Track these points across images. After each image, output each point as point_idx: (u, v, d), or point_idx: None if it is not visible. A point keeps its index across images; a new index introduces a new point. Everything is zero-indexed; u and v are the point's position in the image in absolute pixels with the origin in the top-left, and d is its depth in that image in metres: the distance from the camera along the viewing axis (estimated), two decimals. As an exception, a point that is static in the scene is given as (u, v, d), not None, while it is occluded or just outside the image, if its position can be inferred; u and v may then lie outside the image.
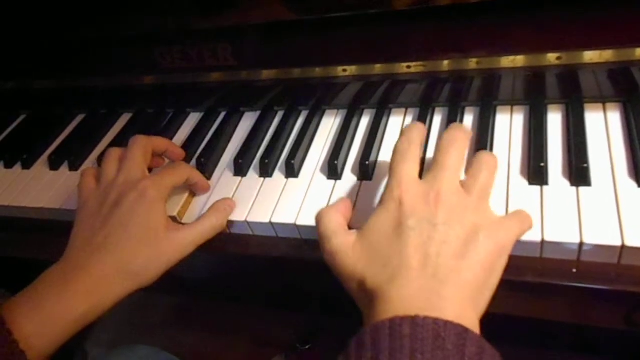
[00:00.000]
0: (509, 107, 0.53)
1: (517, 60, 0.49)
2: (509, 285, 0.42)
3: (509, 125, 0.52)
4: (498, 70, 0.50)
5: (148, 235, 0.45)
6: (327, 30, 0.52)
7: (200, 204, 0.53)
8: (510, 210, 0.43)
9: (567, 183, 0.44)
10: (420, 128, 0.42)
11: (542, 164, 0.44)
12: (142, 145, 0.51)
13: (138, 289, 0.45)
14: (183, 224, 0.51)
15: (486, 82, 0.52)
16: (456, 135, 0.40)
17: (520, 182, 0.45)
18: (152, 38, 0.59)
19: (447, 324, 0.30)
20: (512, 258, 0.42)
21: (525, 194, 0.44)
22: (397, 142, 0.41)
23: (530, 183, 0.45)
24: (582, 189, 0.43)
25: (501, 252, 0.35)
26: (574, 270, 0.40)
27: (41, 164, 0.66)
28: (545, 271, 0.41)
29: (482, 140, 0.50)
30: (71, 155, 0.64)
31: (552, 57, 0.48)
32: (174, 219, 0.51)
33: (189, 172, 0.51)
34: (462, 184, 0.38)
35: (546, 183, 0.44)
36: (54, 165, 0.65)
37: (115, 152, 0.51)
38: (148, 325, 1.25)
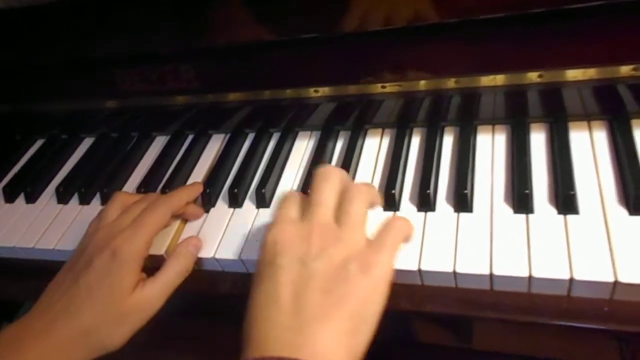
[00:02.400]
0: (490, 127, 0.51)
1: (497, 79, 0.46)
2: (497, 323, 0.40)
3: (491, 146, 0.49)
4: (478, 89, 0.48)
5: (113, 300, 0.41)
6: (296, 52, 0.49)
7: (197, 223, 0.50)
8: (496, 243, 0.40)
9: (554, 211, 0.41)
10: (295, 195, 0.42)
11: (527, 191, 0.42)
12: (150, 203, 0.47)
13: (104, 353, 0.41)
14: None
15: (466, 101, 0.49)
16: (328, 171, 0.40)
17: (504, 209, 0.43)
18: (111, 61, 0.55)
19: None
20: (497, 294, 0.40)
21: (510, 223, 0.41)
22: (282, 197, 0.42)
23: (516, 211, 0.42)
24: (569, 217, 0.40)
25: (376, 282, 0.34)
26: (564, 307, 0.38)
27: (-4, 195, 0.62)
28: (534, 308, 0.38)
29: (463, 161, 0.47)
30: (27, 185, 0.60)
31: (533, 76, 0.45)
32: (161, 257, 0.47)
33: (169, 207, 0.47)
34: (336, 218, 0.38)
35: (532, 211, 0.41)
36: (9, 197, 0.60)
37: (120, 198, 0.48)
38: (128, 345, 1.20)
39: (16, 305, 0.94)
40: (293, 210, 0.40)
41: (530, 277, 0.37)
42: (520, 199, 0.42)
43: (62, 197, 0.58)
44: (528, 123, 0.49)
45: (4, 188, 0.61)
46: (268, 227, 0.38)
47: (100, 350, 0.41)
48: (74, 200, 0.58)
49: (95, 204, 0.57)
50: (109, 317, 0.41)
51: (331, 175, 0.40)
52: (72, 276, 0.43)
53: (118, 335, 0.41)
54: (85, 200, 0.57)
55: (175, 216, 0.49)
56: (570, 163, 0.43)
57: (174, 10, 0.49)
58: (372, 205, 0.41)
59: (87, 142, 0.67)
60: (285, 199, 0.41)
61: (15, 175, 0.64)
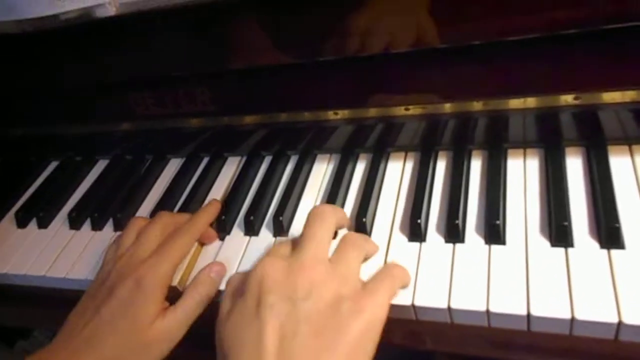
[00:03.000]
0: (522, 150, 0.48)
1: (528, 102, 0.43)
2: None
3: (523, 171, 0.46)
4: (507, 111, 0.45)
5: (135, 330, 0.40)
6: (314, 74, 0.46)
7: (211, 253, 0.48)
8: (532, 279, 0.37)
9: (596, 245, 0.38)
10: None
11: (566, 223, 0.39)
12: (163, 224, 0.46)
13: None
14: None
15: (494, 124, 0.46)
16: (323, 209, 0.40)
17: (541, 242, 0.39)
18: (125, 84, 0.54)
19: None
20: (534, 335, 0.36)
21: (547, 257, 0.38)
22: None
23: (553, 245, 0.39)
24: (614, 252, 0.37)
25: (369, 325, 0.33)
26: (611, 352, 0.34)
27: (8, 220, 0.61)
28: (575, 352, 0.35)
29: (494, 189, 0.44)
30: (40, 210, 0.59)
31: (568, 98, 0.42)
32: (174, 288, 0.45)
33: (193, 234, 0.46)
34: (330, 259, 0.37)
35: (571, 244, 0.38)
36: (21, 222, 0.59)
37: (137, 223, 0.47)
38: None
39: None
40: (284, 248, 0.38)
41: (572, 319, 0.34)
42: (558, 230, 0.38)
43: (75, 222, 0.56)
44: (563, 147, 0.46)
45: (17, 213, 0.59)
46: (256, 264, 0.37)
47: None
48: (87, 225, 0.56)
49: (108, 229, 0.55)
50: (131, 348, 0.40)
51: (326, 215, 0.39)
52: (94, 306, 0.41)
53: None
54: (98, 226, 0.55)
55: None
56: (613, 191, 0.40)
57: (189, 33, 0.47)
58: (368, 256, 0.40)
59: (101, 165, 0.66)
60: (275, 244, 0.40)
61: (28, 200, 0.63)
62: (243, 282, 0.37)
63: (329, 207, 0.41)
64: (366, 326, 0.33)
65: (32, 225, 0.59)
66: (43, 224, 0.58)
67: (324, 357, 0.31)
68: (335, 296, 0.33)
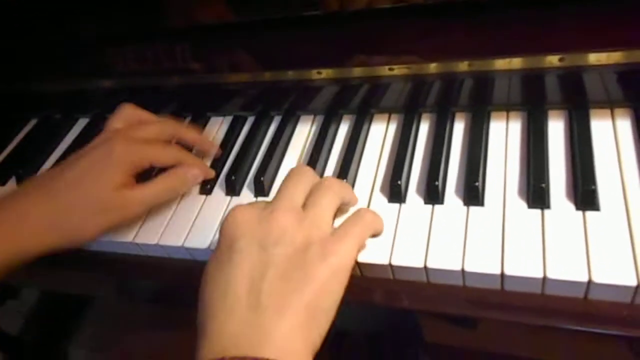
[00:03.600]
0: (505, 113, 0.47)
1: (513, 63, 0.43)
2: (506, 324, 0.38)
3: (505, 134, 0.46)
4: (492, 72, 0.44)
5: (97, 188, 0.42)
6: (297, 31, 0.45)
7: (192, 211, 0.48)
8: (508, 239, 0.37)
9: (572, 207, 0.38)
10: None
11: (543, 185, 0.39)
12: (162, 130, 0.48)
13: (71, 246, 0.43)
14: None
15: (479, 85, 0.46)
16: (301, 170, 0.40)
17: (518, 204, 0.40)
18: (105, 39, 0.52)
19: None
20: (508, 295, 0.37)
21: (524, 218, 0.38)
22: None
23: (530, 206, 0.39)
24: (589, 213, 0.37)
25: (337, 270, 0.33)
26: (580, 310, 0.35)
27: (-13, 177, 0.60)
28: (547, 310, 0.36)
29: (475, 151, 0.44)
30: (19, 167, 0.58)
31: (553, 59, 0.41)
32: None
33: (177, 157, 0.46)
34: (304, 205, 0.37)
35: (548, 206, 0.39)
36: (0, 179, 0.58)
37: (129, 109, 0.49)
38: (128, 328, 1.20)
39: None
40: (260, 203, 0.38)
41: (544, 278, 0.35)
42: (536, 193, 0.39)
43: (55, 180, 0.56)
44: (546, 110, 0.45)
45: (-5, 170, 0.59)
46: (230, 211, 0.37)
47: (71, 238, 0.42)
48: (67, 184, 0.55)
49: (89, 188, 0.54)
50: (88, 204, 0.42)
51: (303, 174, 0.39)
52: (64, 166, 0.44)
53: (92, 225, 0.42)
54: (78, 185, 0.55)
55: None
56: (592, 155, 0.40)
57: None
58: (345, 202, 0.40)
59: (81, 123, 0.64)
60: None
61: (8, 157, 0.62)
62: None
63: (309, 169, 0.41)
64: (332, 270, 0.33)
65: (12, 182, 0.58)
66: (21, 181, 0.57)
67: (291, 299, 0.32)
68: (305, 241, 0.34)
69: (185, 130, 0.50)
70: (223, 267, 0.34)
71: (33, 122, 0.67)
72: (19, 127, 0.67)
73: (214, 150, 0.51)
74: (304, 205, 0.37)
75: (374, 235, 0.39)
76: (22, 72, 0.62)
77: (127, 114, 0.48)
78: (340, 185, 0.40)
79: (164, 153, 0.46)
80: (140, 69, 0.54)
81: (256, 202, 0.39)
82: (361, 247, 0.37)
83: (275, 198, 0.37)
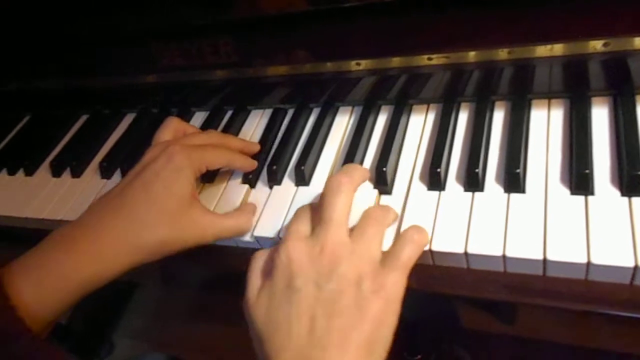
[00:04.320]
0: (546, 101, 0.47)
1: (555, 49, 0.42)
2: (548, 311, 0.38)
3: (547, 122, 0.45)
4: (533, 60, 0.44)
5: (169, 205, 0.41)
6: (338, 22, 0.46)
7: (237, 200, 0.49)
8: (550, 225, 0.37)
9: (616, 193, 0.38)
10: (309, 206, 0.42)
11: (587, 171, 0.38)
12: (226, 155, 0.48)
13: (145, 263, 0.42)
14: None
15: (519, 73, 0.46)
16: (340, 181, 0.39)
17: (561, 190, 0.39)
18: (149, 35, 0.54)
19: None
20: (550, 281, 0.37)
21: (566, 204, 0.38)
22: (297, 209, 0.42)
23: (573, 192, 0.39)
24: (635, 200, 0.37)
25: (390, 302, 0.34)
26: (625, 296, 0.35)
27: (44, 169, 0.64)
28: (590, 296, 0.36)
29: (516, 138, 0.44)
30: (73, 160, 0.61)
31: (597, 44, 0.41)
32: None
33: (228, 157, 0.47)
34: (350, 234, 0.38)
35: (592, 193, 0.38)
36: (55, 171, 0.62)
37: (173, 123, 0.49)
38: (173, 319, 1.24)
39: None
40: (303, 225, 0.39)
41: (588, 264, 0.35)
42: (579, 179, 0.38)
43: (106, 172, 0.59)
44: (589, 96, 0.45)
45: (51, 162, 0.62)
46: (280, 245, 0.38)
47: (143, 259, 0.41)
48: (117, 175, 0.58)
49: (137, 179, 0.57)
50: (162, 226, 0.41)
51: (343, 188, 0.39)
52: (125, 182, 0.43)
53: (165, 248, 0.41)
54: (127, 176, 0.57)
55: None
56: (637, 139, 0.39)
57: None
58: (388, 227, 0.40)
59: (129, 118, 0.67)
60: (295, 214, 0.41)
61: (62, 151, 0.65)
62: (269, 262, 0.38)
63: (345, 177, 0.40)
64: (386, 302, 0.34)
65: (66, 174, 0.61)
66: (76, 174, 0.60)
67: (351, 335, 0.33)
68: (356, 275, 0.35)
69: (230, 139, 0.50)
70: (282, 306, 0.35)
71: (84, 118, 0.71)
72: (71, 122, 0.70)
73: (258, 149, 0.52)
74: (351, 234, 0.38)
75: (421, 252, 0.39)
76: (73, 68, 0.65)
77: (173, 127, 0.49)
78: (384, 213, 0.40)
79: (218, 154, 0.46)
80: (183, 64, 0.56)
81: (299, 220, 0.39)
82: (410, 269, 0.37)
83: (320, 226, 0.38)
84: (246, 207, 0.47)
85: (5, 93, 0.73)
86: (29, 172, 0.63)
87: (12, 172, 0.65)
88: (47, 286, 0.38)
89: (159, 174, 0.42)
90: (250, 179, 0.51)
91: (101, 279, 0.40)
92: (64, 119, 0.70)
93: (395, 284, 0.35)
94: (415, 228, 0.39)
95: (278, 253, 0.37)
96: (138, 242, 0.41)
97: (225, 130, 0.58)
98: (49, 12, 0.58)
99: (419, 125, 0.50)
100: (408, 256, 0.37)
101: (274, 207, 0.47)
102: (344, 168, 0.42)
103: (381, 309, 0.34)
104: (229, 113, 0.61)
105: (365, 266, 0.35)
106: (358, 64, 0.50)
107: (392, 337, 0.34)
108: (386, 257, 0.37)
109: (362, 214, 0.40)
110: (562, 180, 0.40)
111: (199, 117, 0.63)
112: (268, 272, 0.38)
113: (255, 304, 0.37)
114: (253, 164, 0.50)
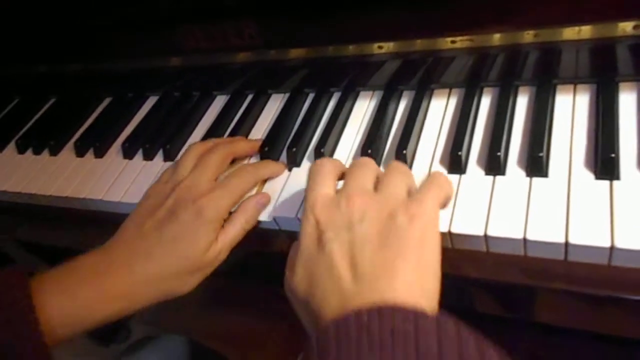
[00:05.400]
0: (572, 86, 0.46)
1: (583, 32, 0.42)
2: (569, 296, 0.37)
3: (572, 107, 0.45)
4: (559, 43, 0.43)
5: (193, 253, 0.43)
6: (361, 3, 0.46)
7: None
8: (573, 209, 0.37)
9: (642, 177, 0.37)
10: (333, 162, 0.41)
11: (613, 155, 0.38)
12: (222, 154, 0.49)
13: (172, 297, 0.44)
14: None
15: (545, 57, 0.45)
16: (366, 160, 0.40)
17: (585, 175, 0.39)
18: (173, 17, 0.55)
19: (394, 307, 0.29)
20: (571, 265, 0.37)
21: (590, 188, 0.38)
22: (310, 168, 0.40)
23: (598, 177, 0.38)
24: (662, 185, 0.36)
25: (426, 227, 0.34)
26: (651, 282, 0.34)
27: (68, 149, 0.65)
28: (612, 281, 0.35)
29: (539, 122, 0.43)
30: (96, 141, 0.62)
31: (627, 27, 0.40)
32: None
33: (255, 176, 0.48)
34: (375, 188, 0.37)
35: (617, 177, 0.37)
36: (79, 152, 0.63)
37: (196, 150, 0.49)
38: (189, 305, 1.26)
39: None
40: (325, 187, 0.38)
41: (612, 248, 0.34)
42: (604, 163, 0.38)
43: (128, 152, 0.60)
44: (617, 82, 0.44)
45: (75, 142, 0.63)
46: (304, 208, 0.38)
47: (170, 294, 0.43)
48: (139, 155, 0.59)
49: (158, 159, 0.58)
50: (187, 268, 0.43)
51: (367, 163, 0.39)
52: (155, 223, 0.44)
53: (189, 284, 0.44)
54: (149, 156, 0.58)
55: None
56: (667, 125, 0.38)
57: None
58: (410, 189, 0.39)
59: (151, 101, 0.68)
60: (310, 177, 0.39)
61: (85, 131, 0.66)
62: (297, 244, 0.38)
63: (371, 160, 0.41)
64: (424, 228, 0.33)
65: (89, 154, 0.62)
66: (99, 154, 0.62)
67: (397, 264, 0.32)
68: (387, 213, 0.34)
69: (238, 146, 0.51)
70: (317, 261, 0.34)
71: (107, 101, 0.72)
72: (95, 104, 0.71)
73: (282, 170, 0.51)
74: (376, 185, 0.38)
75: (446, 200, 0.38)
76: (97, 52, 0.66)
77: (197, 153, 0.49)
78: (407, 172, 0.40)
79: (240, 189, 0.46)
80: (205, 47, 0.57)
81: (328, 194, 0.38)
82: (441, 206, 0.37)
83: (344, 186, 0.37)
84: (244, 206, 0.46)
85: (32, 76, 0.75)
86: (54, 152, 0.65)
87: (37, 152, 0.66)
88: (72, 314, 0.40)
89: (187, 231, 0.43)
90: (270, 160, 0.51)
91: (127, 312, 0.42)
92: (88, 102, 0.72)
93: (428, 210, 0.34)
94: (439, 173, 0.39)
95: (306, 218, 0.37)
96: (165, 285, 0.43)
97: (246, 113, 0.58)
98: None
99: (441, 109, 0.50)
100: (436, 193, 0.36)
101: (293, 188, 0.48)
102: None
103: (420, 234, 0.33)
104: (250, 97, 0.61)
105: (394, 203, 0.35)
106: (380, 47, 0.50)
107: (440, 261, 0.34)
108: (414, 194, 0.36)
109: (386, 168, 0.39)
110: (587, 164, 0.39)
111: (220, 101, 0.63)
112: (298, 246, 0.38)
113: (292, 276, 0.36)
114: (282, 169, 0.50)
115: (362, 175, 0.38)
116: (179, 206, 0.44)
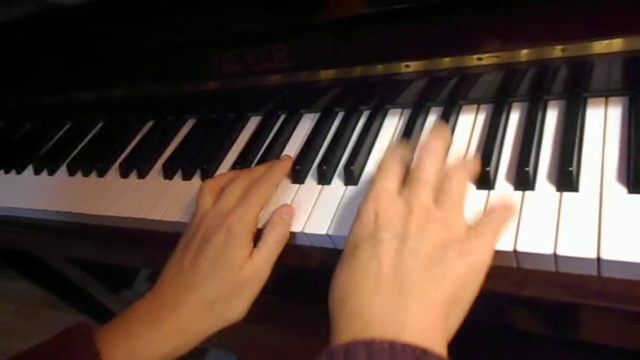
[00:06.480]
0: (603, 99, 0.45)
1: (613, 45, 0.41)
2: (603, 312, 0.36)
3: (603, 120, 0.44)
4: (589, 57, 0.43)
5: (231, 271, 0.44)
6: (388, 24, 0.47)
7: (287, 200, 0.51)
8: (605, 224, 0.36)
9: (679, 191, 0.36)
10: (405, 148, 0.43)
11: (646, 168, 0.37)
12: (242, 179, 0.50)
13: (228, 324, 0.45)
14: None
15: (574, 71, 0.45)
16: (433, 145, 0.40)
17: (617, 189, 0.38)
18: (207, 44, 0.58)
19: (404, 347, 0.30)
20: (605, 281, 0.36)
21: (623, 203, 0.37)
22: (383, 158, 0.42)
23: (631, 191, 0.37)
24: (699, 198, 0.35)
25: (474, 266, 0.34)
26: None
27: (113, 171, 0.69)
28: (650, 298, 0.34)
29: (569, 136, 0.42)
30: (139, 162, 0.66)
31: (658, 38, 0.39)
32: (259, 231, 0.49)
33: (270, 181, 0.50)
34: (435, 198, 0.38)
35: (650, 191, 0.37)
36: (123, 173, 0.66)
37: (207, 186, 0.51)
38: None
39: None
40: (392, 181, 0.39)
41: (646, 263, 0.33)
42: (637, 176, 0.37)
43: (168, 173, 0.63)
44: (650, 94, 0.43)
45: (120, 164, 0.67)
46: (366, 196, 0.38)
47: (224, 320, 0.45)
48: (178, 176, 0.62)
49: (196, 179, 0.61)
50: (228, 289, 0.44)
51: (438, 151, 0.40)
52: (191, 256, 0.46)
53: (238, 305, 0.45)
54: (187, 176, 0.61)
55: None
56: (703, 137, 0.37)
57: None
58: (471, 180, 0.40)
59: (190, 123, 0.71)
60: (380, 169, 0.40)
61: (129, 153, 0.70)
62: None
63: (439, 142, 0.41)
64: (471, 267, 0.34)
65: (133, 175, 0.66)
66: (142, 175, 0.65)
67: (433, 291, 0.33)
68: (442, 240, 0.35)
69: (257, 177, 0.51)
70: (364, 254, 0.35)
71: (150, 124, 0.76)
72: (138, 127, 0.75)
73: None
74: (437, 195, 0.38)
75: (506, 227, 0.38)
76: (141, 78, 0.70)
77: (209, 189, 0.51)
78: (462, 172, 0.40)
79: (264, 194, 0.48)
80: (240, 71, 0.60)
81: (391, 191, 0.38)
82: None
83: (410, 186, 0.38)
84: (273, 219, 0.47)
85: (81, 102, 0.80)
86: (101, 174, 0.69)
87: (86, 174, 0.70)
88: (136, 357, 0.42)
89: (221, 251, 0.44)
90: (300, 179, 0.52)
91: (185, 349, 0.44)
92: (132, 125, 0.76)
93: (483, 250, 0.35)
94: (499, 205, 0.39)
95: (366, 207, 0.37)
96: (214, 312, 0.44)
97: (279, 133, 0.60)
98: (124, 26, 0.63)
99: (469, 125, 0.50)
100: (496, 228, 0.36)
101: (324, 205, 0.49)
102: (434, 130, 0.42)
103: (466, 272, 0.34)
104: (282, 117, 0.63)
105: (453, 233, 0.35)
106: (407, 66, 0.51)
107: (472, 302, 0.34)
108: (473, 226, 0.37)
109: (446, 170, 0.39)
110: (619, 178, 0.39)
111: (254, 122, 0.66)
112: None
113: (341, 258, 0.37)
114: (286, 164, 0.53)
115: (428, 175, 0.38)
116: (210, 233, 0.46)
